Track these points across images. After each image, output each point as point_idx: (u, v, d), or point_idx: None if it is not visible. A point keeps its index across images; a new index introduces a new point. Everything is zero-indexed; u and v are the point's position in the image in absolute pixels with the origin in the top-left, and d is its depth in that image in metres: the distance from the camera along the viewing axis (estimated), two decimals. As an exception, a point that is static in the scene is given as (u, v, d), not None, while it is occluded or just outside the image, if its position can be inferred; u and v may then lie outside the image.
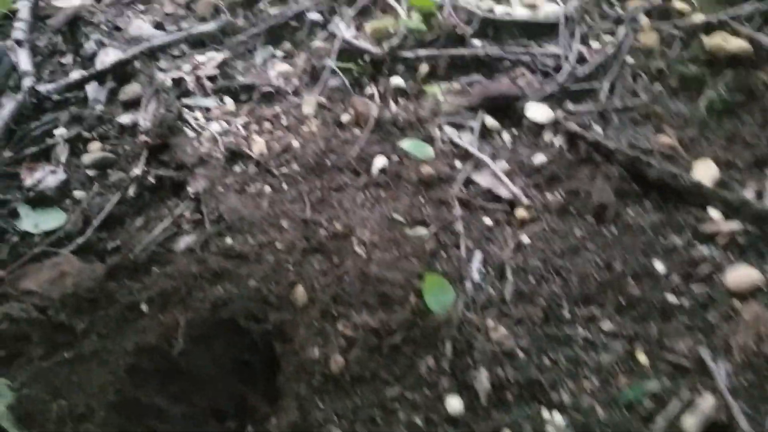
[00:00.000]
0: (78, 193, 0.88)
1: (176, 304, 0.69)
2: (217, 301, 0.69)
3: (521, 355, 0.62)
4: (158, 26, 1.20)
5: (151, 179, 0.85)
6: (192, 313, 0.67)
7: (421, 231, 0.73)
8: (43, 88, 1.03)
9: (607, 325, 0.65)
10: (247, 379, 0.67)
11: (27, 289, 0.72)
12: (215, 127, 0.91)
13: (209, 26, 1.12)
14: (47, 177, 0.90)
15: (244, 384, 0.66)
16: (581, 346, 0.63)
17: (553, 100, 0.87)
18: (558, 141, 0.82)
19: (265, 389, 0.66)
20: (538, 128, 0.84)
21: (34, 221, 0.83)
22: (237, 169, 0.84)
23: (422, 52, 0.95)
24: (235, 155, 0.85)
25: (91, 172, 0.90)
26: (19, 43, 1.13)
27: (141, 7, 1.30)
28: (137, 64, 1.07)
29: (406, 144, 0.77)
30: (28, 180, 0.91)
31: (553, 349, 0.63)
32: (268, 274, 0.71)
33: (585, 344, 0.63)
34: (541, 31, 0.98)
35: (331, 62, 0.98)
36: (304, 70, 1.02)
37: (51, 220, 0.84)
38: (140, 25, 1.22)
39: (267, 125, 0.91)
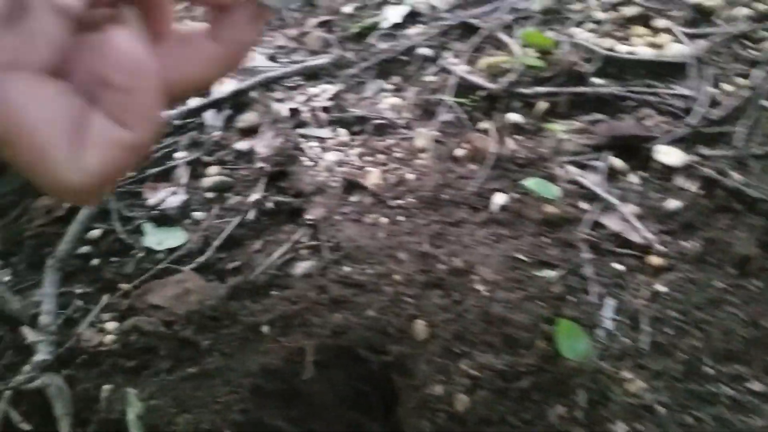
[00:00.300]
0: (198, 214, 0.92)
1: (297, 328, 0.70)
2: (337, 328, 0.69)
3: (661, 410, 0.59)
4: (271, 58, 1.26)
5: (270, 204, 0.88)
6: (314, 339, 0.68)
7: (547, 273, 0.71)
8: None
9: (756, 386, 0.60)
10: (365, 409, 0.67)
11: (153, 304, 0.75)
12: (330, 156, 0.93)
13: (322, 60, 1.16)
14: (169, 197, 0.95)
15: (362, 414, 0.66)
16: (728, 406, 0.59)
17: (684, 143, 0.84)
18: (692, 186, 0.79)
19: (384, 422, 0.66)
20: (669, 172, 0.81)
21: (157, 238, 0.88)
22: (353, 199, 0.86)
23: (541, 89, 0.95)
24: (350, 185, 0.87)
25: (209, 195, 0.95)
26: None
27: (254, 39, 1.38)
28: (253, 93, 1.12)
29: (530, 182, 0.76)
30: (151, 199, 0.96)
31: (696, 407, 0.59)
32: (386, 306, 0.71)
33: (732, 404, 0.59)
34: (668, 71, 0.96)
35: (445, 97, 0.99)
36: (415, 104, 1.04)
37: (173, 238, 0.88)
38: (254, 57, 1.28)
39: (381, 157, 0.93)
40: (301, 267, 0.79)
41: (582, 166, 0.84)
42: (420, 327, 0.68)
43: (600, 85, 0.96)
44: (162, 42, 0.30)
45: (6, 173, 1.02)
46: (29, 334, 0.76)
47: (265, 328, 0.71)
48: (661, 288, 0.70)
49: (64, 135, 0.24)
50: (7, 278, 0.87)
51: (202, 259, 0.83)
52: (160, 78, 0.26)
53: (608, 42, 1.02)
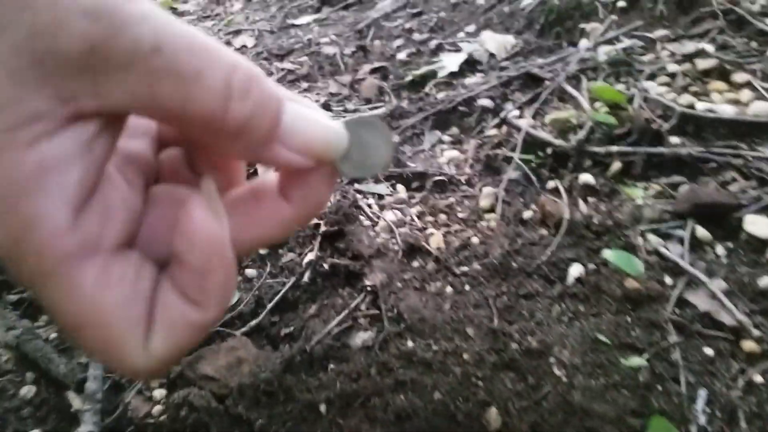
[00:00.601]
0: (250, 272, 0.89)
1: (357, 410, 0.66)
2: (401, 412, 0.65)
3: None
4: (325, 106, 1.25)
5: (325, 266, 0.85)
6: (376, 425, 0.63)
7: (633, 357, 0.66)
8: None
9: None
10: None
11: (205, 374, 0.72)
12: (390, 216, 0.90)
13: (379, 110, 1.14)
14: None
15: None
16: None
17: (777, 212, 0.78)
18: (790, 263, 0.73)
19: None
20: (760, 244, 0.75)
21: (208, 298, 0.85)
22: (415, 264, 0.82)
23: (614, 147, 0.90)
24: (412, 249, 0.83)
25: (262, 251, 0.92)
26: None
27: (304, 84, 1.37)
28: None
29: (612, 255, 0.71)
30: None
31: None
32: (455, 388, 0.66)
33: None
34: (752, 131, 0.90)
35: (509, 152, 0.95)
36: (476, 159, 1.00)
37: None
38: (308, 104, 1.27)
39: (442, 217, 0.89)
40: (361, 338, 0.75)
41: (663, 236, 0.79)
42: (493, 415, 0.63)
43: (678, 144, 0.90)
44: (232, 199, 0.28)
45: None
46: (75, 401, 0.73)
47: (322, 407, 0.67)
48: (757, 378, 0.64)
49: (138, 322, 0.23)
50: (54, 335, 0.85)
51: (254, 322, 0.80)
52: (235, 254, 0.24)
53: (685, 98, 0.97)
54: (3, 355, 0.83)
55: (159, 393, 0.73)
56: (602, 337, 0.68)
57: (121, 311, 0.22)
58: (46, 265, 0.20)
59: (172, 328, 0.23)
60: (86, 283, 0.21)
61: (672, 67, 1.08)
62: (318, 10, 1.80)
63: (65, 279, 0.21)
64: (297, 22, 1.78)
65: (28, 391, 0.77)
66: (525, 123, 0.98)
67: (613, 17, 1.30)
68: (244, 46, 1.70)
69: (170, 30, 0.21)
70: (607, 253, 0.72)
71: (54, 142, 0.20)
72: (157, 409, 0.71)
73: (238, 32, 1.82)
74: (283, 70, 1.43)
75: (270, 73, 1.44)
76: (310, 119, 0.26)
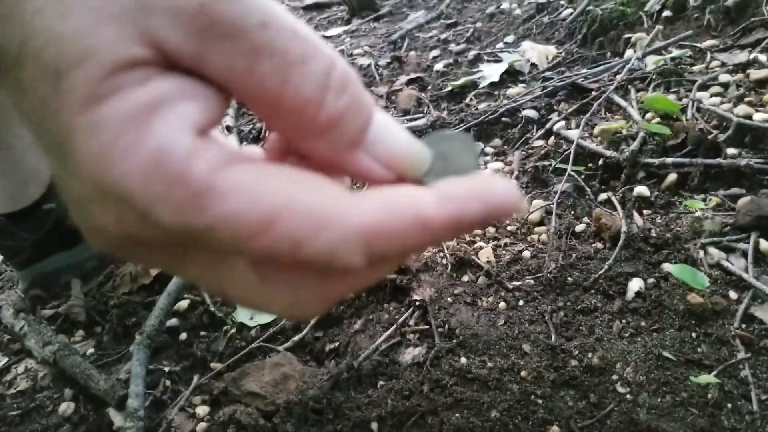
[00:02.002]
0: (289, 287, 0.91)
1: (410, 429, 0.67)
2: (458, 431, 0.65)
3: None
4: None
5: (370, 280, 0.86)
6: (433, 444, 0.64)
7: (702, 375, 0.66)
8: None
9: None
10: None
11: (250, 391, 0.73)
12: (435, 228, 0.91)
13: (420, 122, 1.16)
14: (258, 267, 0.95)
15: None
16: None
17: None
18: None
19: None
20: (830, 258, 0.76)
21: (249, 313, 0.87)
22: (465, 278, 0.83)
23: (669, 159, 0.91)
24: (461, 262, 0.84)
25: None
26: (228, 128, 1.25)
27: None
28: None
29: (675, 269, 0.72)
30: (240, 268, 0.96)
31: None
32: (513, 406, 0.67)
33: None
34: (815, 141, 0.91)
35: (558, 164, 0.97)
36: (522, 170, 1.02)
37: (266, 313, 0.87)
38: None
39: (491, 230, 0.90)
40: (410, 354, 0.76)
41: (725, 249, 0.79)
42: (555, 434, 0.63)
43: (735, 156, 0.91)
44: None
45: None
46: (116, 418, 0.75)
47: (374, 426, 0.68)
48: (833, 397, 0.64)
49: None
50: (91, 350, 0.87)
51: (297, 337, 0.82)
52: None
53: (741, 108, 0.98)
54: (40, 371, 0.86)
55: (202, 410, 0.74)
56: (667, 354, 0.68)
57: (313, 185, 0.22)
58: (194, 185, 0.20)
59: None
60: (247, 177, 0.21)
61: (724, 77, 1.09)
62: (348, 22, 1.84)
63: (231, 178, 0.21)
64: (327, 33, 1.82)
65: (66, 407, 0.79)
66: (575, 134, 1.00)
67: (659, 27, 1.32)
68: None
69: (277, 10, 0.22)
70: (670, 267, 0.73)
71: (161, 81, 0.21)
72: (202, 426, 0.72)
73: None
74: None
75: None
76: (396, 133, 0.26)
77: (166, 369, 0.81)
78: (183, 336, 0.85)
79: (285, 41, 0.22)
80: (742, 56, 1.14)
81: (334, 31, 1.80)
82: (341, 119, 0.23)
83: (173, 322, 0.87)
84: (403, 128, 0.27)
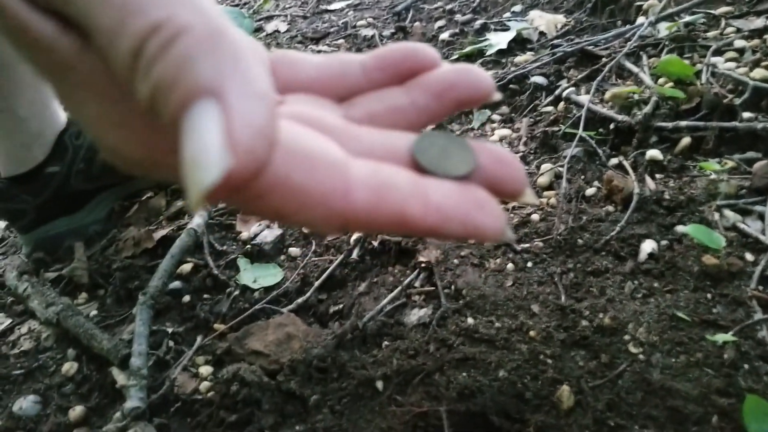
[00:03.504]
0: (294, 250, 0.89)
1: (417, 387, 0.65)
2: (464, 390, 0.63)
3: None
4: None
5: (374, 243, 0.84)
6: (441, 402, 0.62)
7: (715, 335, 0.63)
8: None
9: None
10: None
11: (254, 350, 0.71)
12: (442, 191, 0.89)
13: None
14: (263, 231, 0.93)
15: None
16: None
17: None
18: None
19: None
20: None
21: (252, 276, 0.85)
22: (472, 240, 0.80)
23: (683, 122, 0.88)
24: (468, 224, 0.82)
25: (306, 230, 0.92)
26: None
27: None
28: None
29: (691, 229, 0.69)
30: (244, 233, 0.94)
31: None
32: (521, 366, 0.64)
33: None
34: (833, 105, 0.87)
35: (568, 129, 0.94)
36: (531, 136, 0.99)
37: (269, 276, 0.85)
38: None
39: (498, 194, 0.87)
40: (416, 315, 0.74)
41: (741, 211, 0.76)
42: (565, 393, 0.61)
43: (752, 119, 0.88)
44: None
45: (90, 202, 1.02)
46: (119, 377, 0.73)
47: (379, 384, 0.66)
48: None
49: None
50: (94, 312, 0.85)
51: (300, 300, 0.80)
52: None
53: (758, 72, 0.94)
54: (43, 332, 0.84)
55: (205, 369, 0.73)
56: (681, 314, 0.66)
57: None
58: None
59: None
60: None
61: (739, 43, 1.06)
62: (352, -5, 1.80)
63: None
64: (330, 7, 1.78)
65: (69, 367, 0.77)
66: (586, 98, 0.96)
67: (671, -5, 1.28)
68: (277, 31, 1.71)
69: None
70: (687, 228, 0.70)
71: None
72: (205, 385, 0.70)
73: (269, 18, 1.83)
74: (319, 52, 1.43)
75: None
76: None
77: (170, 330, 0.79)
78: (186, 298, 0.83)
79: (98, 11, 0.20)
80: (758, 22, 1.10)
81: (337, 5, 1.77)
82: (153, 99, 0.20)
83: (176, 284, 0.85)
84: None
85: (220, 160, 0.17)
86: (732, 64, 0.99)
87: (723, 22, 1.14)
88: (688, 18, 1.15)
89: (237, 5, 2.24)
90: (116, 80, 0.21)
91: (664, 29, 1.11)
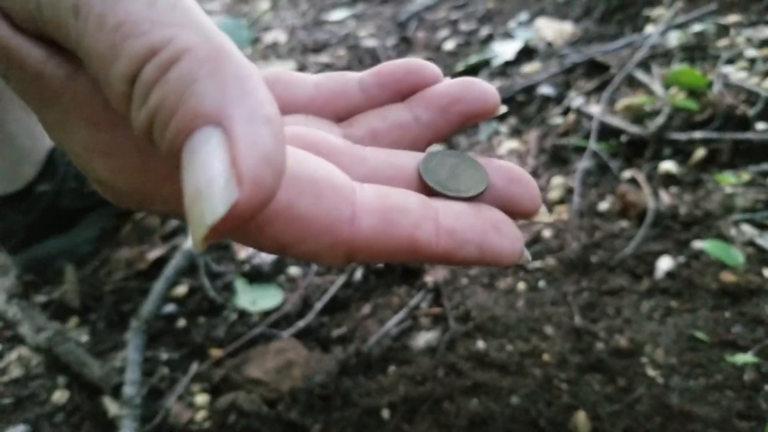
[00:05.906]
0: (293, 270, 0.88)
1: (425, 415, 0.64)
2: (475, 418, 0.62)
3: None
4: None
5: (380, 263, 0.83)
6: (450, 431, 0.61)
7: (735, 355, 0.62)
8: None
9: None
10: None
11: (253, 378, 0.70)
12: (447, 208, 0.88)
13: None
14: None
15: None
16: None
17: None
18: None
19: None
20: None
21: (251, 298, 0.84)
22: (489, 265, 0.80)
23: (697, 134, 0.88)
24: (476, 242, 0.81)
25: (307, 261, 0.91)
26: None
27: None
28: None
29: (709, 245, 0.68)
30: (242, 252, 0.93)
31: None
32: (535, 392, 0.63)
33: None
34: None
35: (579, 142, 0.93)
36: (539, 149, 0.98)
37: (268, 297, 0.84)
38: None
39: (506, 210, 0.87)
40: (423, 338, 0.73)
41: (758, 226, 0.76)
42: (581, 420, 0.60)
43: (766, 131, 0.88)
44: None
45: (82, 222, 1.02)
46: (111, 406, 0.72)
47: (385, 413, 0.65)
48: None
49: None
50: (85, 337, 0.84)
51: (302, 323, 0.79)
52: None
53: (771, 82, 0.94)
54: (33, 358, 0.83)
55: (201, 398, 0.72)
56: (699, 334, 0.65)
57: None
58: None
59: None
60: None
61: (750, 53, 1.06)
62: (352, 5, 1.81)
63: None
64: (331, 18, 1.79)
65: (60, 396, 0.76)
66: (597, 110, 0.96)
67: (680, 4, 1.28)
68: (276, 42, 1.71)
69: None
70: (705, 244, 0.69)
71: None
72: (201, 415, 0.69)
73: (268, 29, 1.84)
74: (319, 63, 1.43)
75: (305, 67, 1.45)
76: None
77: (164, 357, 0.78)
78: (181, 323, 0.82)
79: (92, 35, 0.19)
80: (769, 31, 1.10)
81: (337, 15, 1.77)
82: (150, 127, 0.19)
83: (170, 308, 0.84)
84: None
85: (226, 192, 0.16)
86: (744, 75, 0.99)
87: (733, 32, 1.14)
88: (698, 27, 1.15)
89: (235, 16, 2.25)
90: (108, 107, 0.21)
91: (674, 38, 1.11)
